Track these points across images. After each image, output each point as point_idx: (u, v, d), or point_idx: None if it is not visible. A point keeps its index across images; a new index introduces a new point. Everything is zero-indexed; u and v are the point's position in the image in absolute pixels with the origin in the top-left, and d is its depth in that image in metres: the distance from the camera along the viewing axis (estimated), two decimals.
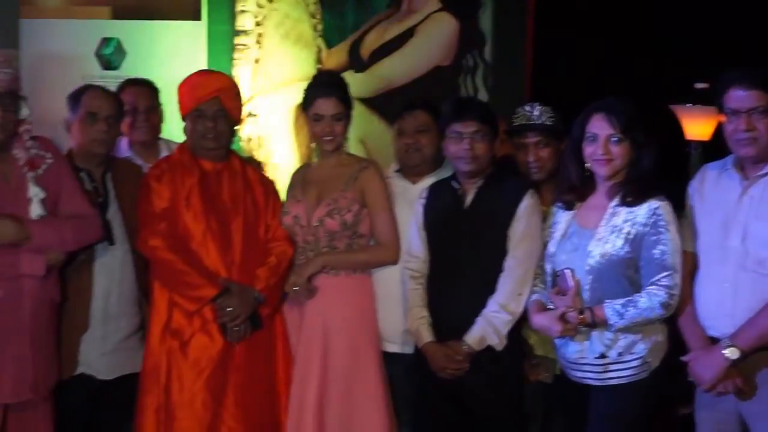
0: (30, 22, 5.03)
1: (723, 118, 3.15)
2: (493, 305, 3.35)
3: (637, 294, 3.11)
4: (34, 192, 3.27)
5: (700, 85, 6.01)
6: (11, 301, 3.20)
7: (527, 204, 3.39)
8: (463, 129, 3.41)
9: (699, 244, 3.18)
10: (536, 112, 3.56)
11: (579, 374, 3.23)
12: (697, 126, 6.12)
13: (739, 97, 3.03)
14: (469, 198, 3.47)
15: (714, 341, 3.10)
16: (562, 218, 3.31)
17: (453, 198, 3.50)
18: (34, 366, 3.27)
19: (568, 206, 3.30)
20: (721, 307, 3.09)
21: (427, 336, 3.43)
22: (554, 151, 3.55)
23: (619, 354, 3.14)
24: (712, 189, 3.19)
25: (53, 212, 3.31)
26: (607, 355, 3.15)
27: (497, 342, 3.35)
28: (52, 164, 3.35)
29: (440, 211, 3.52)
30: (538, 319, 3.26)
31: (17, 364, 3.22)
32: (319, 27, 5.64)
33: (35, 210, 3.26)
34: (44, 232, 3.23)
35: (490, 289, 3.38)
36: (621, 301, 3.09)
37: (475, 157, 3.41)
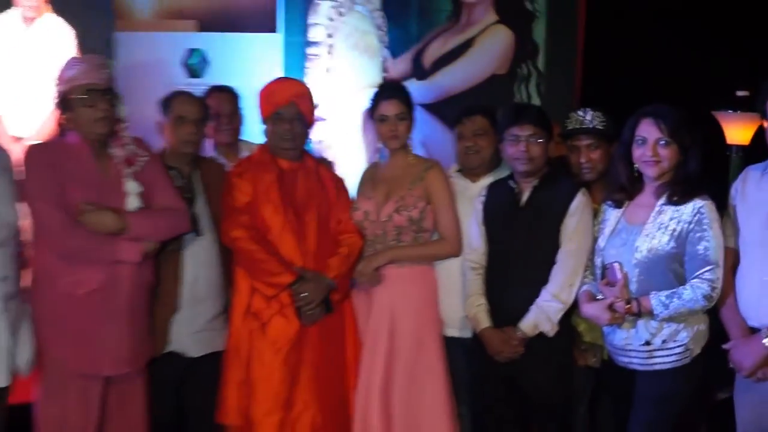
0: (124, 35, 5.07)
1: (765, 124, 3.14)
2: (546, 294, 3.36)
3: (682, 286, 3.10)
4: (131, 186, 3.29)
5: (741, 93, 5.92)
6: (111, 285, 3.22)
7: (579, 201, 3.39)
8: (521, 132, 3.42)
9: (741, 241, 3.17)
10: (588, 117, 3.55)
11: (625, 360, 3.24)
12: (738, 131, 6.02)
13: None
14: (525, 196, 3.48)
15: (754, 331, 3.10)
16: (612, 215, 3.31)
17: (510, 196, 3.51)
18: (131, 343, 3.29)
19: (618, 204, 3.30)
20: (761, 300, 3.08)
21: (484, 322, 3.45)
22: (604, 153, 3.53)
23: (663, 341, 3.14)
24: (754, 189, 3.17)
25: (147, 205, 3.33)
26: (652, 342, 3.15)
27: (549, 329, 3.36)
28: (146, 162, 3.38)
29: (498, 208, 3.52)
30: (588, 309, 3.27)
31: (117, 341, 3.25)
32: (385, 38, 5.64)
33: (132, 203, 3.28)
34: (140, 222, 3.25)
35: (543, 279, 3.39)
36: (666, 292, 3.09)
37: (531, 158, 3.42)
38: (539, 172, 3.49)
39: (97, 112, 3.23)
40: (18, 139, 4.55)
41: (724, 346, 3.18)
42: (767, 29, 5.84)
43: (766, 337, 3.04)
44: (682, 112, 3.19)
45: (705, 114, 5.81)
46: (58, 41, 4.92)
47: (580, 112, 3.60)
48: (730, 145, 6.00)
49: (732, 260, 3.18)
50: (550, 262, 3.40)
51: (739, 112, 5.93)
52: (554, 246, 3.40)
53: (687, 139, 3.16)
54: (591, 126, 3.54)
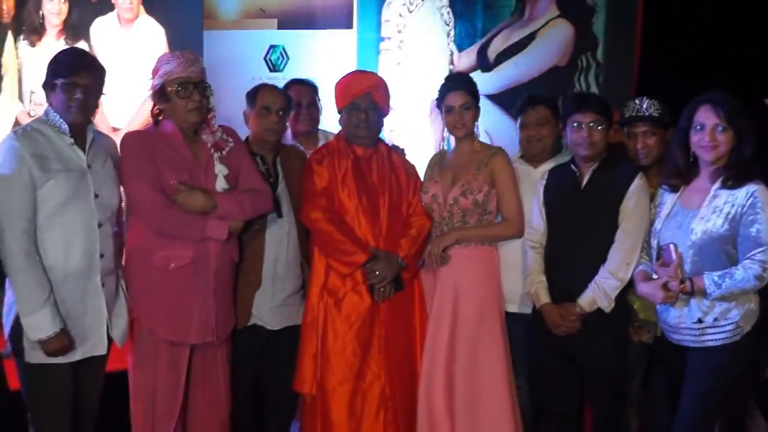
0: (211, 33, 5.12)
1: None
2: (603, 272, 3.32)
3: (734, 267, 3.04)
4: (219, 169, 3.32)
5: None
6: (200, 260, 3.25)
7: (637, 184, 3.34)
8: (583, 119, 3.38)
9: None
10: (645, 105, 3.50)
11: (677, 337, 3.19)
12: None
13: None
14: (585, 179, 3.44)
15: None
16: (668, 199, 3.25)
17: (572, 179, 3.47)
18: (216, 314, 3.31)
19: (673, 189, 3.24)
20: None
21: (544, 297, 3.43)
22: (660, 139, 3.49)
23: (715, 319, 3.09)
24: None
25: (234, 187, 3.35)
26: (704, 320, 3.10)
27: (606, 305, 3.31)
28: (233, 147, 3.40)
29: (560, 190, 3.49)
30: (643, 287, 3.22)
31: (203, 313, 3.28)
32: (452, 33, 5.64)
33: (220, 184, 3.31)
34: (227, 202, 3.28)
35: (601, 258, 3.34)
36: (719, 273, 3.03)
37: (593, 143, 3.38)
38: (599, 157, 3.44)
39: (190, 103, 3.26)
40: (115, 130, 4.65)
41: None
42: None
43: None
44: (738, 100, 3.12)
45: (758, 103, 5.64)
46: (151, 40, 5.00)
47: (637, 101, 3.55)
48: None
49: None
50: (609, 242, 3.35)
51: None
52: (613, 226, 3.35)
53: (742, 125, 3.09)
54: (647, 114, 3.50)
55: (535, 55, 5.64)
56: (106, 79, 3.13)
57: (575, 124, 3.41)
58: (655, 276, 3.21)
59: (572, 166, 3.49)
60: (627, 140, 3.58)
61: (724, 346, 3.10)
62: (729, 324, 3.09)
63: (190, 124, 3.30)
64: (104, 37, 4.93)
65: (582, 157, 3.43)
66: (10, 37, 4.69)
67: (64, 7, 4.81)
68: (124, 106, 4.89)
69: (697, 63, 5.74)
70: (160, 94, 3.31)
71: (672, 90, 3.58)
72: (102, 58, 3.29)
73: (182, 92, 3.26)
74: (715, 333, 3.10)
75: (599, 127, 3.39)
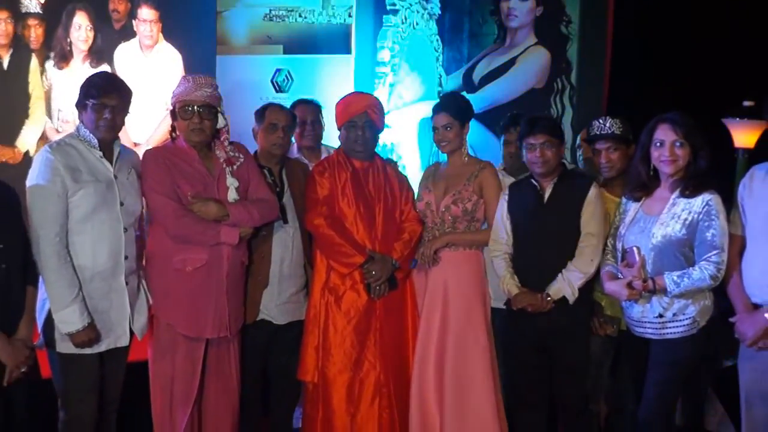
0: (224, 58, 5.15)
1: None
2: (570, 266, 3.33)
3: (691, 268, 3.07)
4: (231, 182, 3.33)
5: (747, 103, 5.82)
6: (214, 263, 3.27)
7: (593, 193, 3.36)
8: (535, 141, 3.38)
9: (747, 229, 3.13)
10: (608, 124, 3.50)
11: (640, 330, 3.22)
12: (744, 136, 5.89)
13: None
14: (547, 193, 3.43)
15: (756, 307, 3.06)
16: (631, 207, 3.27)
17: (533, 193, 3.45)
18: (229, 311, 3.32)
19: (636, 199, 3.27)
20: (763, 279, 3.04)
21: (515, 289, 3.41)
22: (622, 154, 3.48)
23: (674, 314, 3.13)
24: (760, 185, 3.12)
25: (244, 197, 3.37)
26: (664, 315, 3.13)
27: (570, 294, 3.31)
28: (243, 162, 3.42)
29: (523, 203, 3.47)
30: (610, 286, 3.24)
31: (217, 310, 3.29)
32: (440, 59, 5.65)
33: (231, 195, 3.32)
34: (238, 211, 3.28)
35: (566, 261, 3.34)
36: (678, 273, 3.07)
37: (545, 161, 3.38)
38: (555, 172, 3.44)
39: (191, 124, 3.28)
40: (136, 144, 4.67)
41: (731, 319, 3.14)
42: None
43: (767, 312, 3.01)
44: (692, 119, 3.16)
45: (713, 121, 5.71)
46: (169, 64, 5.02)
47: (600, 120, 3.55)
48: (737, 149, 5.88)
49: (739, 246, 3.15)
50: (572, 247, 3.36)
51: (746, 119, 5.84)
52: (575, 232, 3.36)
53: (698, 141, 3.12)
54: (610, 132, 3.49)
55: (515, 78, 5.66)
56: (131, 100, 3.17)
57: (529, 146, 3.40)
58: (620, 276, 3.23)
59: (533, 181, 3.48)
60: (593, 155, 3.59)
61: (683, 338, 3.13)
62: (687, 318, 3.12)
63: (193, 142, 3.31)
64: (126, 61, 4.95)
65: (538, 174, 3.43)
66: (34, 59, 4.72)
67: (91, 34, 4.84)
68: (144, 124, 4.90)
69: (660, 85, 5.81)
70: (173, 113, 3.35)
71: (638, 109, 3.60)
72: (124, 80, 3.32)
73: (184, 114, 3.28)
74: (674, 327, 3.13)
75: (551, 148, 3.38)
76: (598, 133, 3.52)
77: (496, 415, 3.57)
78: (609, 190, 3.53)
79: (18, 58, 4.70)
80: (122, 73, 4.80)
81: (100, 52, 4.87)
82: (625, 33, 5.79)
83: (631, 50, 5.76)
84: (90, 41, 4.83)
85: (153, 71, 4.98)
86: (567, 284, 3.32)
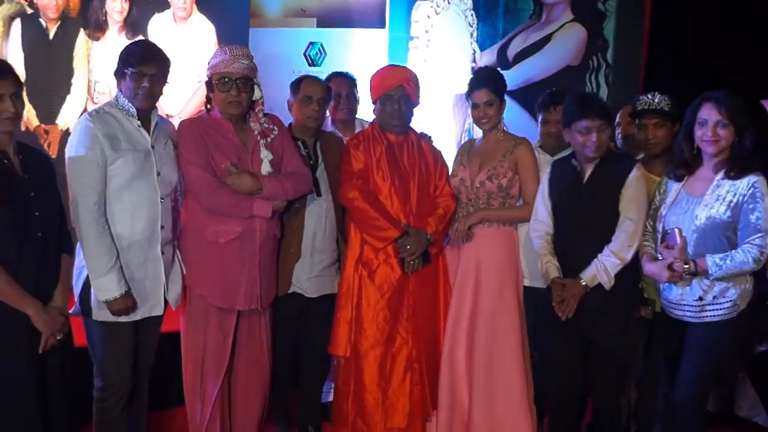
0: (256, 30, 5.14)
1: None
2: (606, 251, 3.25)
3: (734, 250, 3.03)
4: (265, 154, 3.33)
5: None
6: (247, 236, 3.27)
7: (635, 174, 3.28)
8: (591, 124, 3.27)
9: None
10: (656, 99, 3.46)
11: (678, 312, 3.18)
12: None
13: None
14: (587, 173, 3.35)
15: None
16: (673, 187, 3.23)
17: (573, 173, 3.39)
18: (260, 283, 3.33)
19: (678, 178, 3.22)
20: None
21: (554, 273, 3.35)
22: (668, 131, 3.44)
23: (714, 297, 3.08)
24: None
25: (278, 170, 3.37)
26: (705, 298, 3.09)
27: (606, 281, 3.24)
28: (277, 134, 3.41)
29: (564, 183, 3.41)
30: (650, 267, 3.20)
31: (249, 282, 3.30)
32: (475, 34, 5.59)
33: (265, 168, 3.32)
34: (272, 184, 3.29)
35: (605, 244, 3.27)
36: (720, 255, 3.03)
37: (600, 146, 3.30)
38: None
39: (229, 96, 3.27)
40: (169, 116, 4.68)
41: None
42: None
43: None
44: (739, 98, 3.10)
45: (753, 101, 5.61)
46: (202, 36, 5.01)
47: (650, 95, 3.50)
48: None
49: None
50: (611, 229, 3.29)
51: None
52: (615, 214, 3.29)
53: (742, 121, 3.07)
54: (658, 107, 3.45)
55: (551, 55, 5.61)
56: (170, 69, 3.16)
57: (583, 129, 3.29)
58: (660, 257, 3.19)
59: (573, 161, 3.41)
60: (637, 131, 3.53)
61: (722, 321, 3.09)
62: (727, 302, 3.08)
63: (229, 115, 3.31)
64: (160, 33, 4.95)
65: (589, 159, 3.34)
66: (82, 33, 4.73)
67: (126, 5, 4.84)
68: (177, 95, 4.91)
69: (699, 64, 5.71)
70: (208, 84, 3.34)
71: (675, 89, 3.54)
72: None
73: (222, 86, 3.27)
74: (714, 310, 3.09)
75: (606, 131, 3.31)
76: (646, 108, 3.47)
77: (525, 396, 3.56)
78: (650, 169, 3.47)
79: (64, 30, 4.71)
80: (156, 44, 4.80)
81: (135, 23, 4.89)
82: (664, 11, 5.70)
83: (670, 28, 5.66)
84: (125, 12, 4.85)
85: (186, 43, 4.99)
86: (603, 271, 3.25)
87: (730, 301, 3.08)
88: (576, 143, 3.35)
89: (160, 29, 4.96)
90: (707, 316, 3.11)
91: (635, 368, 3.62)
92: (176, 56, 4.61)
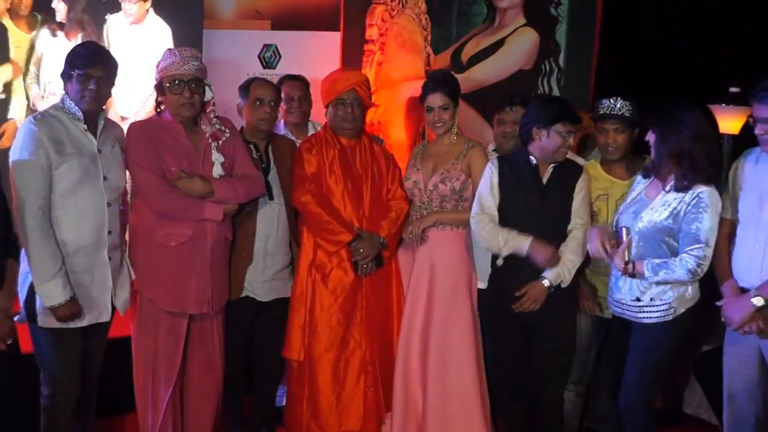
0: (211, 32, 5.06)
1: (751, 119, 3.08)
2: (565, 251, 3.29)
3: (672, 258, 3.06)
4: (216, 157, 3.30)
5: (733, 89, 5.83)
6: (197, 239, 3.24)
7: (584, 178, 3.35)
8: (569, 129, 3.30)
9: (738, 214, 3.13)
10: (618, 105, 3.42)
11: (619, 311, 3.23)
12: (729, 122, 5.94)
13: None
14: (547, 174, 3.37)
15: (744, 291, 3.06)
16: (638, 186, 3.26)
17: (531, 172, 3.38)
18: (212, 287, 3.30)
19: (645, 176, 3.24)
20: (752, 264, 3.04)
21: (524, 237, 3.28)
22: (628, 137, 3.43)
23: (651, 299, 3.11)
24: (751, 171, 3.12)
25: (229, 173, 3.33)
26: (642, 299, 3.13)
27: (568, 279, 3.30)
28: (229, 137, 3.38)
29: (520, 180, 3.39)
30: (591, 246, 3.21)
31: (199, 286, 3.27)
32: (429, 38, 5.60)
33: (216, 171, 3.29)
34: (223, 188, 3.25)
35: (556, 239, 3.31)
36: (658, 261, 3.06)
37: (569, 149, 3.37)
38: None
39: (182, 98, 3.23)
40: (123, 119, 4.59)
41: (718, 303, 3.14)
42: (758, 32, 5.76)
43: (753, 297, 3.00)
44: (675, 115, 3.09)
45: (703, 107, 5.73)
46: (159, 38, 4.91)
47: (612, 100, 3.46)
48: (723, 134, 5.91)
49: (729, 229, 3.16)
50: (563, 226, 3.34)
51: (731, 105, 5.85)
52: (566, 214, 3.34)
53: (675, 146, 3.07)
54: (619, 113, 3.42)
55: (504, 59, 5.61)
56: (118, 71, 3.11)
57: (559, 132, 3.29)
58: (606, 249, 3.16)
59: (532, 160, 3.39)
60: (598, 135, 3.52)
61: (660, 324, 3.12)
62: (663, 304, 3.11)
63: (182, 117, 3.26)
64: (116, 33, 4.85)
65: (556, 160, 3.37)
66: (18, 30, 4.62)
67: (77, 5, 4.73)
68: (133, 98, 4.82)
69: (647, 68, 5.80)
70: (159, 87, 3.29)
71: (624, 93, 3.55)
72: (113, 53, 3.25)
73: (174, 89, 3.23)
74: (650, 311, 3.13)
75: (572, 135, 3.35)
76: (607, 112, 3.45)
77: (478, 396, 3.57)
78: (609, 171, 3.51)
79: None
80: (112, 45, 4.73)
81: (81, 21, 4.75)
82: (614, 16, 5.77)
83: (620, 34, 5.74)
84: (77, 11, 4.72)
85: (143, 44, 4.89)
86: (566, 270, 3.29)
87: (666, 303, 3.11)
88: (552, 146, 3.32)
89: (115, 30, 4.86)
90: (644, 318, 3.14)
91: (589, 369, 3.65)
92: (133, 58, 4.59)
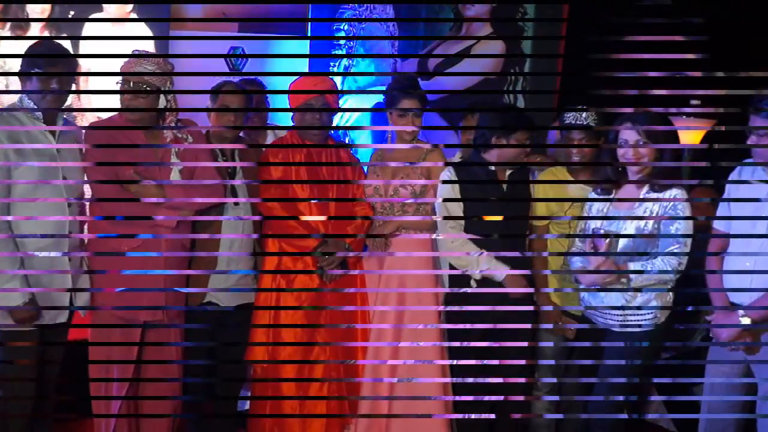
0: (177, 34, 4.95)
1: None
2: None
3: (654, 259, 3.08)
4: (175, 162, 3.26)
5: (694, 102, 5.90)
6: (151, 245, 3.20)
7: (539, 187, 3.42)
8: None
9: (732, 229, 3.14)
10: (584, 115, 3.45)
11: (602, 320, 3.20)
12: (689, 134, 6.03)
13: None
14: (505, 179, 3.43)
15: (734, 306, 3.07)
16: (596, 204, 3.26)
17: (489, 178, 3.43)
18: (165, 294, 3.26)
19: (606, 192, 3.26)
20: (741, 281, 3.04)
21: (504, 266, 3.34)
22: (595, 146, 3.46)
23: (637, 307, 3.12)
24: (745, 185, 3.13)
25: (189, 178, 3.30)
26: (627, 309, 3.13)
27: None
28: (192, 142, 3.34)
29: (479, 186, 3.44)
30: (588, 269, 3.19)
31: (153, 293, 3.22)
32: (396, 44, 5.61)
33: (174, 176, 3.26)
34: (178, 194, 3.23)
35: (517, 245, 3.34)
36: (641, 263, 3.08)
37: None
38: None
39: (133, 102, 3.19)
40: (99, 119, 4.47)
41: (707, 318, 3.20)
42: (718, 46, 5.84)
43: (742, 316, 3.02)
44: (656, 114, 3.14)
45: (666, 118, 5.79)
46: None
47: (577, 110, 3.49)
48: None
49: (722, 242, 3.18)
50: (522, 231, 3.39)
51: (691, 118, 5.92)
52: (527, 218, 3.40)
53: (661, 139, 3.10)
54: (585, 123, 3.44)
55: (469, 68, 5.64)
56: (81, 70, 3.07)
57: (518, 140, 3.35)
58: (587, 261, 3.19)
59: (492, 168, 3.43)
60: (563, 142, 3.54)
61: (642, 332, 3.13)
62: (648, 312, 3.12)
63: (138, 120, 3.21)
64: (90, 34, 4.74)
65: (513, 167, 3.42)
66: None
67: (47, 7, 4.62)
68: (110, 101, 4.71)
69: (614, 80, 5.84)
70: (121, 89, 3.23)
71: (589, 102, 3.57)
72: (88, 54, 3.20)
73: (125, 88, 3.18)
74: (636, 319, 3.13)
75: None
76: (573, 122, 3.47)
77: (443, 403, 3.57)
78: (573, 175, 3.52)
79: None
80: (86, 45, 4.57)
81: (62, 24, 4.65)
82: (580, 27, 5.81)
83: (584, 44, 5.78)
84: (47, 12, 4.62)
85: (122, 46, 4.77)
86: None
87: (652, 312, 3.12)
88: (510, 157, 3.37)
89: (89, 31, 4.74)
90: (629, 326, 3.14)
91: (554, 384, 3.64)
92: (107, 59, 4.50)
